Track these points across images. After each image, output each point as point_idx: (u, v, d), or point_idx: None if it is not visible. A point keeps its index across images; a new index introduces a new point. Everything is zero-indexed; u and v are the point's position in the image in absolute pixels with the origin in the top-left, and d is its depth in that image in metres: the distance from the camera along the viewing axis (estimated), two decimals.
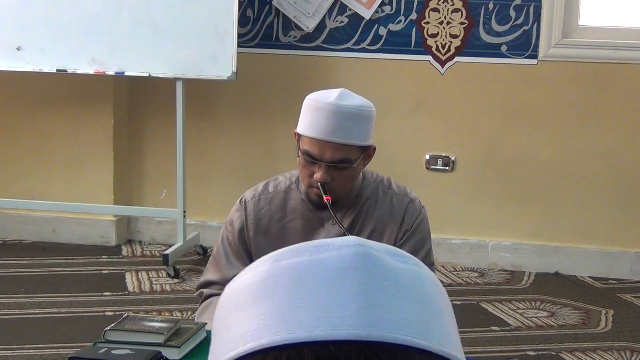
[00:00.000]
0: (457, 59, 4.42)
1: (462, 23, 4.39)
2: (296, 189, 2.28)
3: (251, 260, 2.27)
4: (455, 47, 4.41)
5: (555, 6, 4.29)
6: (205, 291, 2.33)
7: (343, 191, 2.18)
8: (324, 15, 4.46)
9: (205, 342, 2.02)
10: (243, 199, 2.30)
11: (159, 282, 4.15)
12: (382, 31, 4.44)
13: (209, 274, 2.34)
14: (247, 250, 2.28)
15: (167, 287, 4.08)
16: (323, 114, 2.09)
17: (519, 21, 4.33)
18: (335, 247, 0.64)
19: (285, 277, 0.63)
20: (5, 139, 4.76)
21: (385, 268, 0.63)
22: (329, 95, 2.12)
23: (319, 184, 2.14)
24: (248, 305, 0.63)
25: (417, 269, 0.66)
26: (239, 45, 4.14)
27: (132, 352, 1.85)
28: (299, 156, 2.17)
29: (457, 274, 4.41)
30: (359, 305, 0.60)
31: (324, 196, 2.13)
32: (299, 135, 2.16)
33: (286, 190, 2.29)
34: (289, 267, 0.63)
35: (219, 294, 2.28)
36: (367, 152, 2.19)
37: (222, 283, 2.28)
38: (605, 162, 4.40)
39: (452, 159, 4.51)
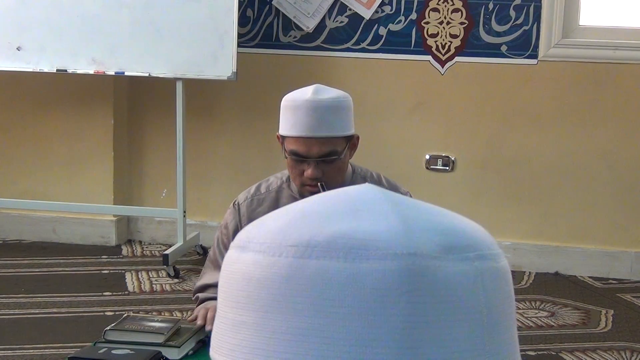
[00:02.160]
0: (457, 59, 4.42)
1: (462, 23, 4.38)
2: (287, 187, 2.30)
3: None
4: (455, 47, 4.41)
5: (555, 6, 4.29)
6: (201, 295, 2.33)
7: (335, 183, 2.19)
8: (324, 15, 4.46)
9: (206, 343, 2.02)
10: (236, 202, 2.32)
11: (159, 282, 4.15)
12: (382, 31, 4.44)
13: (206, 278, 2.34)
14: None
15: (167, 287, 4.08)
16: (302, 112, 2.12)
17: (519, 21, 4.33)
18: (378, 254, 0.51)
19: (310, 288, 0.50)
20: (5, 139, 4.76)
21: (440, 285, 0.51)
22: (305, 93, 2.16)
23: (319, 184, 2.15)
24: (254, 308, 0.52)
25: (479, 264, 0.54)
26: (239, 45, 4.14)
27: (132, 352, 1.85)
28: (286, 157, 2.19)
29: None
30: (401, 344, 0.50)
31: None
32: (283, 137, 2.19)
33: (278, 190, 2.31)
34: (317, 273, 0.51)
35: (214, 298, 2.28)
36: (351, 141, 2.23)
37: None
38: (605, 162, 4.40)
39: (452, 159, 4.51)
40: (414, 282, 0.50)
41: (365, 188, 0.58)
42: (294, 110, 2.14)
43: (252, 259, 0.53)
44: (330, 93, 2.17)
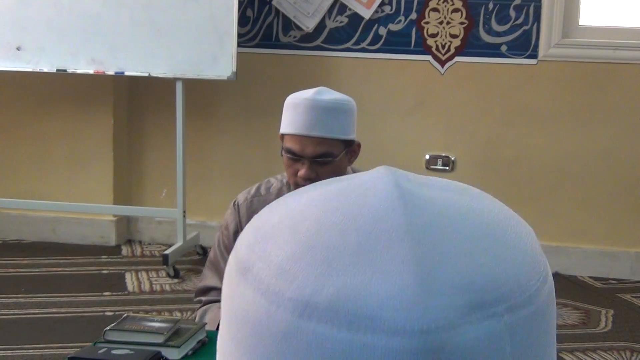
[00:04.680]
0: (457, 59, 4.42)
1: (462, 23, 4.39)
2: (287, 190, 2.29)
3: None
4: (455, 47, 4.41)
5: (555, 6, 4.29)
6: (204, 299, 2.33)
7: None
8: (324, 15, 4.46)
9: (205, 343, 2.02)
10: (236, 202, 2.31)
11: (158, 282, 4.15)
12: (382, 31, 4.44)
13: (207, 280, 2.34)
14: None
15: (167, 287, 4.08)
16: (301, 110, 2.12)
17: (519, 21, 4.33)
18: (386, 327, 0.44)
19: (308, 355, 0.45)
20: (5, 139, 4.76)
21: (457, 356, 0.45)
22: (307, 92, 2.16)
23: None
24: (251, 357, 0.48)
25: (509, 317, 0.47)
26: (239, 45, 4.14)
27: (132, 352, 1.85)
28: (281, 155, 2.18)
29: None
30: None
31: None
32: (283, 136, 2.19)
33: (278, 192, 2.30)
34: (316, 340, 0.45)
35: (217, 301, 2.28)
36: (351, 147, 2.21)
37: (222, 287, 2.28)
38: (605, 162, 4.40)
39: (452, 159, 4.51)
40: None
41: (386, 207, 0.49)
42: (294, 108, 2.14)
43: (252, 298, 0.49)
44: (332, 95, 2.16)
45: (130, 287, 4.06)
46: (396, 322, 0.44)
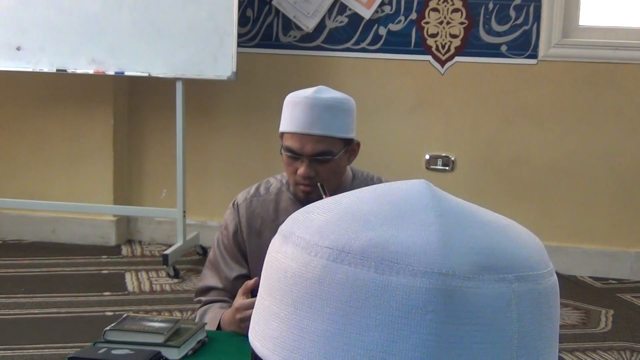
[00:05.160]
0: (457, 59, 4.42)
1: (462, 23, 4.39)
2: (287, 190, 2.28)
3: (247, 263, 2.28)
4: (455, 47, 4.41)
5: (555, 6, 4.29)
6: (204, 299, 2.32)
7: (329, 186, 2.17)
8: (324, 15, 4.46)
9: (205, 343, 2.02)
10: (235, 202, 2.30)
11: (158, 282, 4.15)
12: (382, 31, 4.44)
13: (208, 279, 2.33)
14: (242, 252, 2.28)
15: (167, 287, 4.08)
16: (300, 108, 2.12)
17: (519, 21, 4.33)
18: (409, 269, 0.50)
19: (339, 293, 0.51)
20: (5, 138, 4.76)
21: (469, 307, 0.51)
22: (307, 91, 2.16)
23: (318, 184, 2.14)
24: (287, 302, 0.54)
25: (518, 286, 0.53)
26: (239, 45, 4.14)
27: (132, 352, 1.85)
28: (281, 154, 2.18)
29: None
30: None
31: (323, 195, 2.13)
32: (282, 134, 2.18)
33: (277, 192, 2.29)
34: (347, 280, 0.51)
35: (217, 301, 2.28)
36: (350, 146, 2.20)
37: (222, 287, 2.28)
38: (605, 162, 4.40)
39: (452, 158, 4.51)
40: (441, 302, 0.50)
41: (419, 189, 0.57)
42: (294, 106, 2.14)
43: (291, 252, 0.55)
44: (331, 93, 2.16)
45: (130, 287, 4.06)
46: (419, 265, 0.50)
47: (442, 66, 4.44)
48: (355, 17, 4.44)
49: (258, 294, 0.59)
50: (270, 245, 0.59)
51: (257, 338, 0.56)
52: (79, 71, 4.20)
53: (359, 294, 0.50)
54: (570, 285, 4.28)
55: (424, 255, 0.51)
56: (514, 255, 0.55)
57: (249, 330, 0.58)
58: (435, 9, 4.40)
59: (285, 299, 0.54)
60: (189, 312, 3.67)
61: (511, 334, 0.52)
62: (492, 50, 4.38)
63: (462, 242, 0.53)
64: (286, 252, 0.55)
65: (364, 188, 0.60)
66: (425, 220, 0.53)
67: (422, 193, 0.57)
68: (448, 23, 4.39)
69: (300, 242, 0.54)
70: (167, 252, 4.23)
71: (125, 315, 2.05)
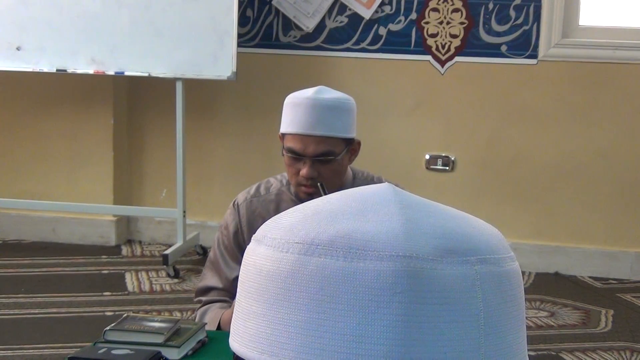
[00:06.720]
0: (457, 59, 4.42)
1: (462, 23, 4.39)
2: (287, 190, 2.28)
3: None
4: (455, 47, 4.41)
5: (555, 6, 4.29)
6: (204, 299, 2.32)
7: (331, 186, 2.17)
8: (324, 15, 4.46)
9: (205, 343, 2.02)
10: (236, 202, 2.30)
11: (158, 282, 4.15)
12: (382, 31, 4.44)
13: (208, 279, 2.33)
14: (242, 252, 2.27)
15: (167, 287, 4.08)
16: (302, 109, 2.11)
17: (519, 21, 4.33)
18: (375, 255, 0.53)
19: (311, 284, 0.54)
20: (5, 139, 4.76)
21: (435, 287, 0.53)
22: (307, 91, 2.15)
23: (318, 184, 2.14)
24: (263, 299, 0.56)
25: (480, 268, 0.56)
26: (239, 45, 4.14)
27: (132, 352, 1.85)
28: (283, 155, 2.17)
29: None
30: (392, 342, 0.52)
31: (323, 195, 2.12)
32: (283, 135, 2.18)
33: (278, 192, 2.29)
34: (318, 270, 0.54)
35: (217, 301, 2.27)
36: (351, 146, 2.20)
37: (222, 287, 2.28)
38: (605, 162, 4.40)
39: (452, 159, 4.51)
40: (408, 283, 0.52)
41: (381, 189, 0.60)
42: (295, 107, 2.14)
43: (265, 253, 0.57)
44: (332, 93, 2.16)
45: (130, 287, 4.06)
46: (385, 251, 0.53)
47: (442, 66, 4.44)
48: (355, 17, 4.44)
49: (236, 300, 0.60)
50: (245, 253, 0.62)
51: (235, 339, 0.58)
52: (78, 71, 4.20)
53: (330, 282, 0.53)
54: (570, 285, 4.28)
55: (389, 242, 0.54)
56: (475, 239, 0.58)
57: (230, 337, 0.60)
58: (435, 9, 4.40)
59: (261, 297, 0.56)
60: (189, 312, 3.67)
61: (477, 312, 0.55)
62: (492, 50, 4.38)
63: (425, 228, 0.56)
64: (260, 254, 0.58)
65: (331, 193, 0.63)
66: (389, 212, 0.57)
67: (386, 191, 0.60)
68: (448, 23, 4.39)
69: (272, 242, 0.57)
70: (167, 252, 4.23)
71: (125, 315, 2.05)
